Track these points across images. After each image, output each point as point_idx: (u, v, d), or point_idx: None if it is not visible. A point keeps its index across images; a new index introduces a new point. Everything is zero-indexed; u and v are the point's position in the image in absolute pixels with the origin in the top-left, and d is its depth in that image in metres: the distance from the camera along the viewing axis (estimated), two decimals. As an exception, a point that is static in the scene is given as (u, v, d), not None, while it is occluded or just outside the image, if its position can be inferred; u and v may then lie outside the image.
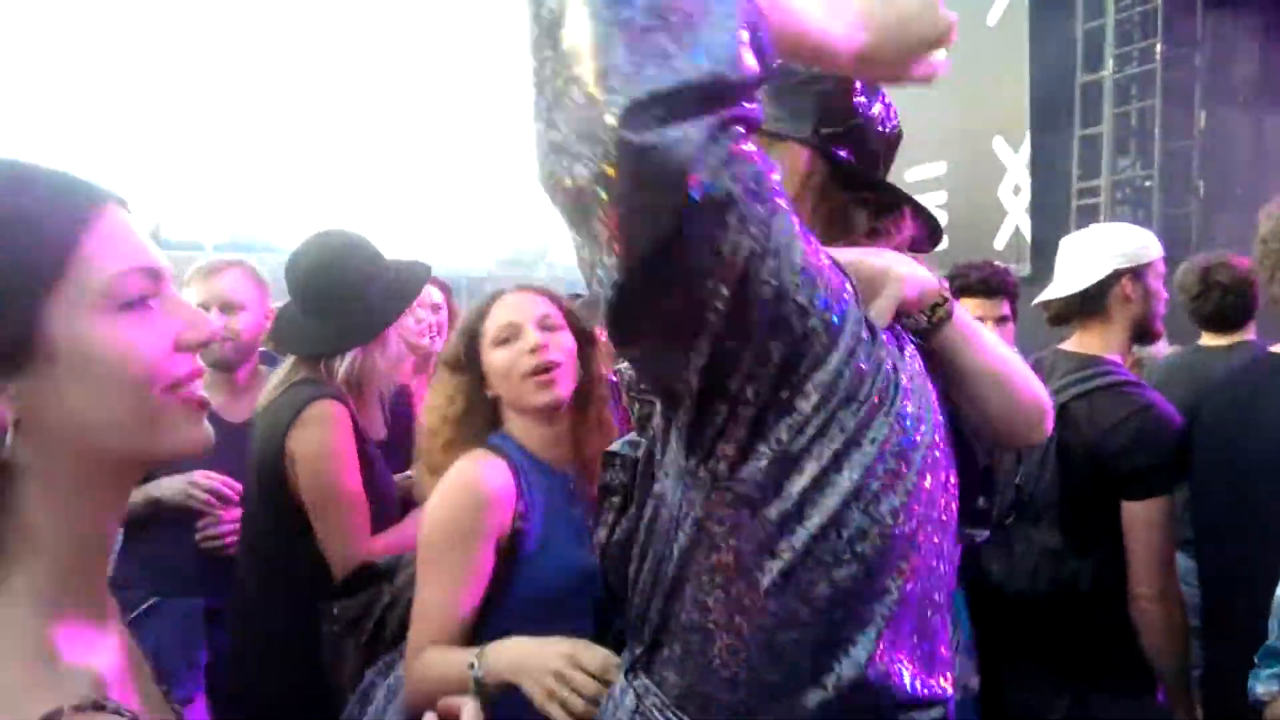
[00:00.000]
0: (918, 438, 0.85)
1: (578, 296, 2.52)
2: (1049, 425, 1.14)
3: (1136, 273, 2.13)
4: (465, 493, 1.51)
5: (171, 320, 0.70)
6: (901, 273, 0.99)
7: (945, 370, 1.04)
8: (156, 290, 0.69)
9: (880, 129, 1.11)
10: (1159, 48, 6.35)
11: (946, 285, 1.07)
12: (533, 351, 1.57)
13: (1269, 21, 5.75)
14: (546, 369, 1.58)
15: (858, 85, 1.09)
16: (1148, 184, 6.53)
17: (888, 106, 1.13)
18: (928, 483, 0.86)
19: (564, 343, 1.62)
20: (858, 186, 1.07)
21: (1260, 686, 1.32)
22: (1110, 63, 6.57)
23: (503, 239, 16.90)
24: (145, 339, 0.67)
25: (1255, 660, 1.35)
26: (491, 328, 1.62)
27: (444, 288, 3.11)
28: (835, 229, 1.05)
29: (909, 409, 0.85)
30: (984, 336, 1.08)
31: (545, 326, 1.62)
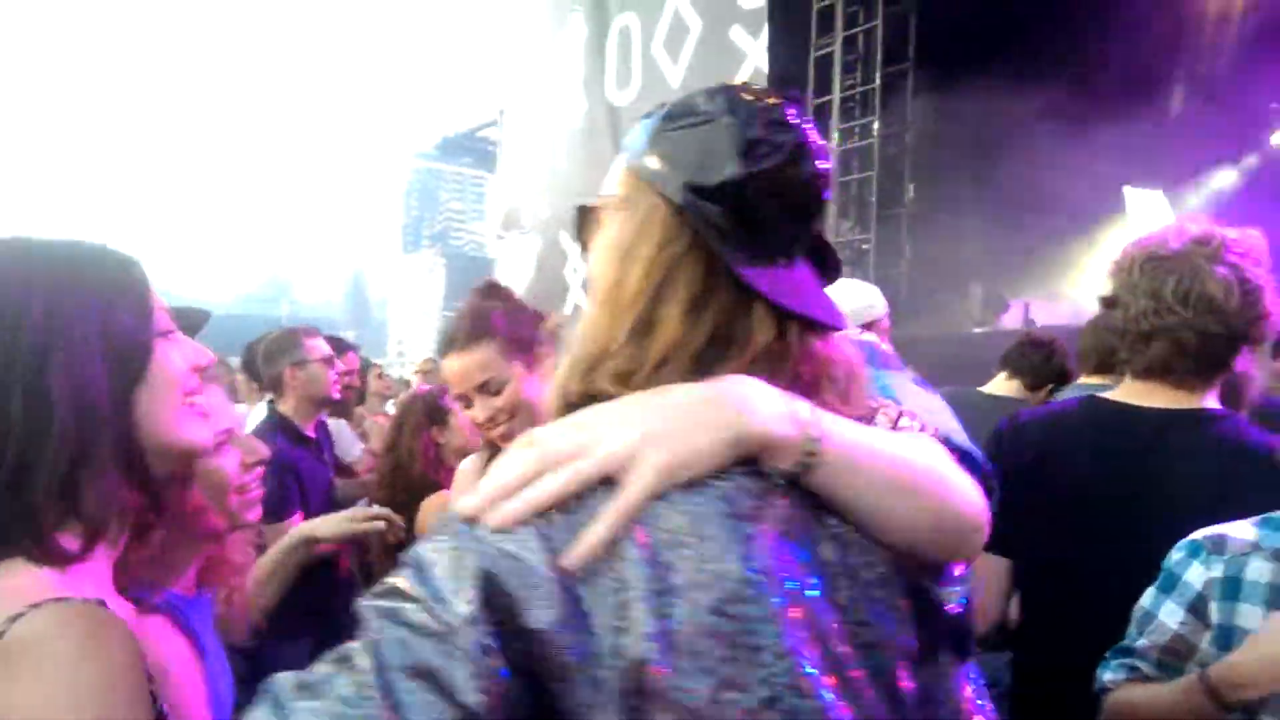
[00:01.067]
0: None
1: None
2: (982, 537, 0.80)
3: (866, 329, 2.17)
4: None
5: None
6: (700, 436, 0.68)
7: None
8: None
9: (807, 168, 0.78)
10: (876, 125, 7.12)
11: (817, 423, 0.72)
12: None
13: (970, 104, 6.60)
14: None
15: (770, 104, 0.78)
16: (865, 247, 7.25)
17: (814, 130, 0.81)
18: None
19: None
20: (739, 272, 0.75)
21: (1109, 674, 1.38)
22: (836, 136, 7.27)
23: (244, 272, 15.68)
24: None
25: (1106, 656, 1.39)
26: None
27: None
28: (718, 344, 0.75)
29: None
30: (868, 461, 0.74)
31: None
